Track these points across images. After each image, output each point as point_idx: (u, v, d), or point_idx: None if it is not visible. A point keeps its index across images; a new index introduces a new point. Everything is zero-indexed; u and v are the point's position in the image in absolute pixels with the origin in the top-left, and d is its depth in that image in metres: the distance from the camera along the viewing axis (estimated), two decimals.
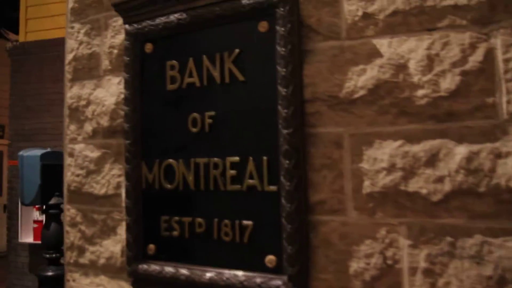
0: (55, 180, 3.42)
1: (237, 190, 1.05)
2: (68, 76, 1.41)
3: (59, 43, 4.88)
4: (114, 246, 1.26)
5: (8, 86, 7.73)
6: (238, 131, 1.06)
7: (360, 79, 0.97)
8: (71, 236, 1.36)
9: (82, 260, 1.33)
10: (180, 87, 1.15)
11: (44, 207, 3.35)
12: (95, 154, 1.32)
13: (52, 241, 3.36)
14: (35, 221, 4.52)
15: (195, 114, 1.12)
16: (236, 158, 1.06)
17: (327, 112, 1.00)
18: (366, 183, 0.95)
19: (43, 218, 4.44)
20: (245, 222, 1.04)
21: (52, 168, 3.34)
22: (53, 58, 4.85)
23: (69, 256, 1.36)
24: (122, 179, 1.25)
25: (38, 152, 3.32)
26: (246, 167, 1.04)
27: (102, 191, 1.29)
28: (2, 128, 7.62)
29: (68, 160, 1.39)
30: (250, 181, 1.03)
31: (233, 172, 1.06)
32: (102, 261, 1.28)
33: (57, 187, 3.42)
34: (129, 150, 1.19)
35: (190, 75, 1.13)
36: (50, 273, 3.29)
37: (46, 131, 4.75)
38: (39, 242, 4.54)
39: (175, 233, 1.13)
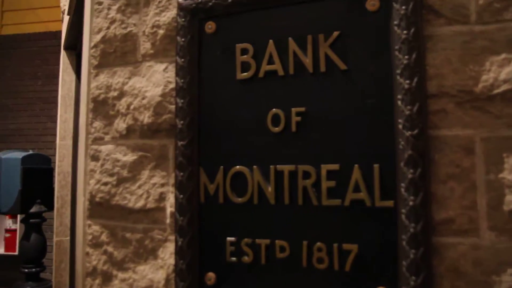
0: (37, 186, 3.08)
1: (336, 206, 0.83)
2: (92, 61, 1.15)
3: (40, 37, 4.53)
4: (154, 273, 1.00)
5: None
6: (337, 132, 0.84)
7: (503, 70, 0.77)
8: (93, 259, 1.09)
9: None
10: (256, 76, 0.92)
11: (24, 216, 3.00)
12: (129, 157, 1.06)
13: (32, 253, 3.01)
14: (7, 230, 4.11)
15: (277, 110, 0.89)
16: (335, 166, 0.83)
17: (455, 111, 0.79)
18: (508, 197, 0.75)
19: (16, 227, 4.04)
20: (347, 245, 0.81)
21: (34, 173, 3.01)
22: (32, 54, 4.49)
23: (90, 284, 1.09)
24: (166, 189, 1.00)
25: (18, 154, 2.98)
26: (349, 176, 0.82)
27: (139, 204, 1.04)
28: None
29: (91, 165, 1.12)
30: (355, 194, 0.81)
31: (330, 183, 0.84)
32: None
33: (39, 193, 3.09)
34: (184, 153, 0.95)
35: (270, 62, 0.91)
36: None
37: (23, 132, 4.36)
38: (12, 253, 4.14)
39: (246, 258, 0.89)
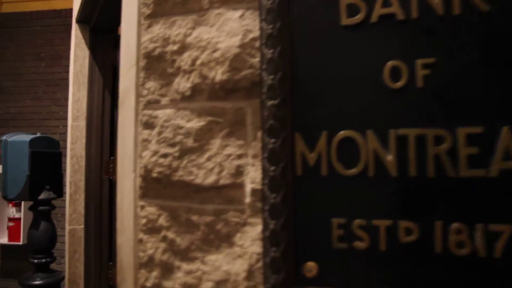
0: (46, 171, 2.88)
1: (480, 177, 0.65)
2: (144, 10, 0.96)
3: (43, 16, 4.28)
4: (230, 263, 0.82)
5: None
6: (476, 87, 0.66)
7: None
8: (149, 247, 0.91)
9: (168, 284, 0.89)
10: (367, 21, 0.73)
11: (32, 203, 2.80)
12: (194, 124, 0.88)
13: (41, 243, 2.82)
14: (10, 219, 3.91)
15: (396, 62, 0.70)
16: (476, 129, 0.66)
17: None
18: None
19: (20, 215, 3.84)
20: (495, 226, 0.64)
21: (42, 157, 2.80)
22: (35, 34, 4.25)
23: (145, 277, 0.91)
24: (245, 161, 0.82)
25: (26, 137, 2.77)
26: (495, 141, 0.65)
27: (209, 180, 0.85)
28: None
29: (143, 134, 0.93)
30: (505, 162, 0.64)
31: (471, 149, 0.66)
32: (206, 285, 0.84)
33: (48, 179, 2.89)
34: (276, 115, 0.76)
35: (386, 3, 0.72)
36: (38, 282, 2.76)
37: (25, 116, 4.14)
38: (16, 243, 3.94)
39: (360, 244, 0.71)
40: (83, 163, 2.47)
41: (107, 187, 2.51)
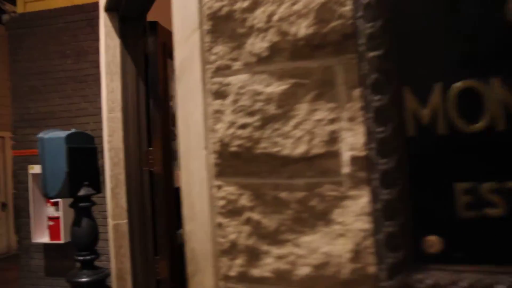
0: (83, 167, 2.83)
1: None
2: None
3: (65, 12, 4.24)
4: (330, 244, 0.72)
5: (1, 73, 7.01)
6: None
7: None
8: (230, 232, 0.81)
9: (255, 272, 0.79)
10: None
11: (73, 200, 2.77)
12: (275, 88, 0.77)
13: (85, 240, 2.79)
14: (50, 218, 3.92)
15: None
16: None
17: None
18: None
19: (59, 214, 3.84)
20: None
21: (79, 153, 2.76)
22: (59, 31, 4.21)
23: (227, 266, 0.82)
24: (338, 126, 0.71)
25: (62, 133, 2.73)
26: None
27: (298, 151, 0.74)
28: None
29: (214, 104, 0.83)
30: None
31: None
32: (302, 271, 0.74)
33: (85, 175, 2.84)
34: (380, 67, 0.64)
35: None
36: (84, 279, 2.74)
37: (55, 114, 4.13)
38: (57, 241, 3.96)
39: (493, 211, 0.59)
40: (122, 155, 2.40)
41: (147, 179, 2.45)
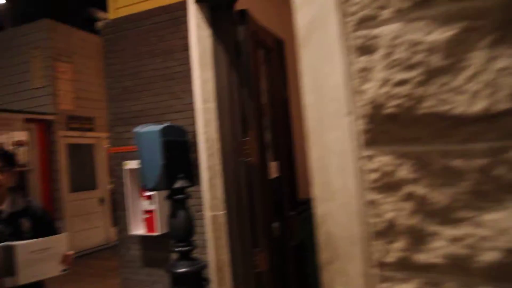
0: (177, 159, 2.87)
1: None
2: None
3: (151, 14, 4.38)
4: None
5: (95, 79, 7.55)
6: None
7: None
8: (386, 210, 0.68)
9: (421, 257, 0.65)
10: None
11: (169, 192, 2.81)
12: (439, 35, 0.63)
13: (181, 232, 2.82)
14: (145, 211, 4.07)
15: None
16: None
17: None
18: None
19: (154, 207, 3.98)
20: None
21: (173, 145, 2.79)
22: (147, 32, 4.36)
23: (382, 250, 0.69)
24: None
25: (156, 127, 2.77)
26: None
27: (476, 108, 0.60)
28: (91, 120, 7.41)
29: (359, 62, 0.70)
30: None
31: None
32: (488, 256, 0.59)
33: (179, 168, 2.88)
34: None
35: None
36: (183, 269, 2.76)
37: (146, 112, 4.27)
38: (152, 233, 4.11)
39: None
40: (217, 146, 2.38)
41: (243, 170, 2.40)
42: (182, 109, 4.10)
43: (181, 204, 2.81)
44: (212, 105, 2.39)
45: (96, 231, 7.32)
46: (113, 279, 5.29)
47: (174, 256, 4.04)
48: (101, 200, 7.54)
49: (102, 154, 7.63)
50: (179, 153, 2.81)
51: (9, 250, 1.75)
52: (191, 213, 2.88)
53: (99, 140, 7.57)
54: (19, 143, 6.90)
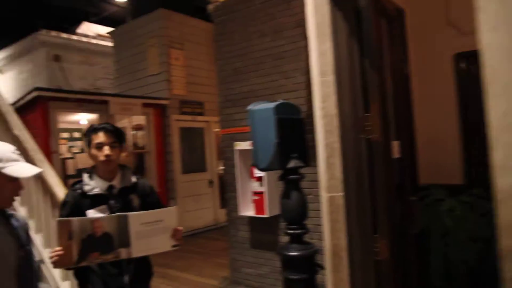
0: (291, 138, 2.75)
1: None
2: None
3: None
4: None
5: (205, 65, 7.82)
6: None
7: None
8: None
9: None
10: None
11: (282, 172, 2.71)
12: None
13: (294, 214, 2.70)
14: (255, 193, 4.06)
15: None
16: None
17: None
18: None
19: (263, 189, 3.95)
20: None
21: (287, 124, 2.67)
22: (256, 12, 4.30)
23: None
24: None
25: (270, 104, 2.67)
26: None
27: None
28: (201, 105, 7.70)
29: None
30: None
31: None
32: None
33: (293, 147, 2.75)
34: None
35: None
36: (294, 253, 2.65)
37: (255, 93, 4.24)
38: (261, 215, 4.09)
39: None
40: (336, 122, 2.20)
41: (364, 148, 2.19)
42: (293, 88, 3.98)
43: (294, 185, 2.70)
44: (330, 78, 2.21)
45: (205, 212, 7.63)
46: (221, 259, 5.44)
47: (285, 239, 3.98)
48: (210, 182, 7.82)
49: (211, 138, 7.90)
50: (293, 131, 2.69)
51: (124, 219, 1.77)
52: (304, 195, 2.76)
53: (209, 124, 7.83)
54: (138, 127, 7.44)
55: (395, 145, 2.21)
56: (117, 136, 2.05)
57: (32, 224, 3.41)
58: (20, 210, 3.53)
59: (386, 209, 2.20)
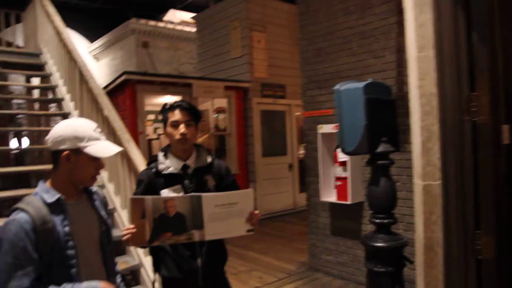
0: (381, 120, 2.55)
1: None
2: None
3: None
4: None
5: (287, 47, 7.70)
6: None
7: None
8: None
9: None
10: None
11: (370, 157, 2.53)
12: None
13: (382, 202, 2.51)
14: (337, 178, 3.89)
15: None
16: None
17: None
18: None
19: (347, 174, 3.77)
20: None
21: (377, 104, 2.46)
22: None
23: None
24: None
25: (359, 84, 2.48)
26: None
27: None
28: (283, 88, 7.61)
29: None
30: None
31: None
32: None
33: (383, 130, 2.55)
34: None
35: None
36: (380, 244, 2.46)
37: (341, 74, 4.03)
38: (343, 202, 3.93)
39: None
40: (435, 102, 1.97)
41: (469, 132, 1.94)
42: (382, 68, 3.71)
43: (383, 171, 2.50)
44: (430, 52, 1.97)
45: (284, 195, 7.60)
46: (299, 243, 5.37)
47: (369, 227, 3.79)
48: (290, 166, 7.76)
49: (292, 121, 7.80)
50: (383, 113, 2.48)
51: (197, 200, 1.70)
52: (393, 182, 2.55)
53: (290, 107, 7.74)
54: (220, 110, 7.56)
55: (505, 129, 1.92)
56: (193, 114, 1.99)
57: (118, 200, 3.60)
58: (108, 186, 3.74)
59: (492, 202, 1.93)
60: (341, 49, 4.08)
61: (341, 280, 4.11)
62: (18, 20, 6.25)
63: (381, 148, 2.45)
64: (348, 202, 3.77)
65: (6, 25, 6.17)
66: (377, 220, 2.51)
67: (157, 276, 2.05)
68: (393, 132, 2.54)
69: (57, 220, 1.35)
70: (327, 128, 3.96)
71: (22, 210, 1.30)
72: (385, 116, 2.51)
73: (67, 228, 1.36)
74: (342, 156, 3.77)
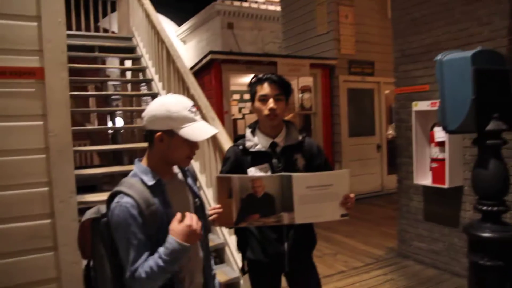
0: (492, 95, 2.23)
1: None
2: None
3: None
4: None
5: (376, 22, 7.26)
6: None
7: None
8: None
9: None
10: None
11: (477, 136, 2.24)
12: None
13: (490, 186, 2.22)
14: (433, 160, 3.58)
15: None
16: None
17: None
18: None
19: (444, 156, 3.44)
20: None
21: (488, 76, 2.16)
22: None
23: None
24: None
25: (465, 53, 2.18)
26: None
27: None
28: (371, 65, 7.22)
29: None
30: None
31: None
32: None
33: (494, 105, 2.24)
34: None
35: None
36: (486, 234, 2.18)
37: (439, 45, 3.66)
38: (440, 185, 3.60)
39: None
40: None
41: None
42: (489, 37, 3.28)
43: (494, 151, 2.21)
44: None
45: (371, 177, 7.28)
46: (387, 228, 5.11)
47: (469, 214, 3.45)
48: (378, 147, 7.40)
49: (381, 100, 7.39)
50: (495, 86, 2.17)
51: (287, 181, 1.58)
52: (505, 164, 2.24)
53: (379, 85, 7.32)
54: (305, 88, 7.39)
55: None
56: (282, 88, 1.87)
57: (203, 179, 3.66)
58: (194, 165, 3.82)
59: None
60: (439, 18, 3.69)
61: (434, 269, 3.83)
62: (113, 9, 6.61)
63: (491, 126, 2.15)
64: (445, 186, 3.45)
65: (104, 14, 6.55)
66: (484, 207, 2.23)
67: (242, 259, 2.02)
68: (507, 107, 2.21)
69: (158, 201, 1.35)
70: (423, 105, 3.63)
71: (126, 194, 1.30)
72: (497, 89, 2.20)
73: (168, 208, 1.36)
74: (440, 136, 3.45)
